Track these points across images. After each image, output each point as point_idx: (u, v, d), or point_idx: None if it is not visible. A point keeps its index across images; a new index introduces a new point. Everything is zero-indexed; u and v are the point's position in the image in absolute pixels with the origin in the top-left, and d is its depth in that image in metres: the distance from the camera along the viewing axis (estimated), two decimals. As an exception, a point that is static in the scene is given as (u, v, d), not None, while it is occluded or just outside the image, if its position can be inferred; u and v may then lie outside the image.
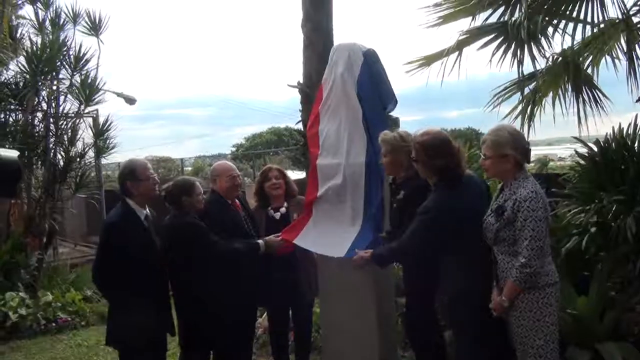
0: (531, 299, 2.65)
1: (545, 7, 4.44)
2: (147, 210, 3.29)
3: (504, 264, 2.72)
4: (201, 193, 3.50)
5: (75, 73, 7.72)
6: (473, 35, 4.72)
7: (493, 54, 4.59)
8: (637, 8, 4.28)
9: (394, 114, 3.75)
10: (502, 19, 4.65)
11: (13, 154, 1.64)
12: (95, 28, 8.00)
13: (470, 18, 4.68)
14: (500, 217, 2.69)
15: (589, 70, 4.84)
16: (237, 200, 3.77)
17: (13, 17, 8.10)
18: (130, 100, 12.23)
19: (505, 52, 4.58)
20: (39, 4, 8.07)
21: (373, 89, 3.61)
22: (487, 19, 4.69)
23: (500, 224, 2.69)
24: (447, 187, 2.91)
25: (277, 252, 3.64)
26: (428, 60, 4.92)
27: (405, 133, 3.36)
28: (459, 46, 4.72)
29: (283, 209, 3.92)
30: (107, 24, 8.08)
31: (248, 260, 3.56)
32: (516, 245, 2.65)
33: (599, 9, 4.17)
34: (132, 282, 3.08)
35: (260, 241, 3.61)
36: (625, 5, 4.16)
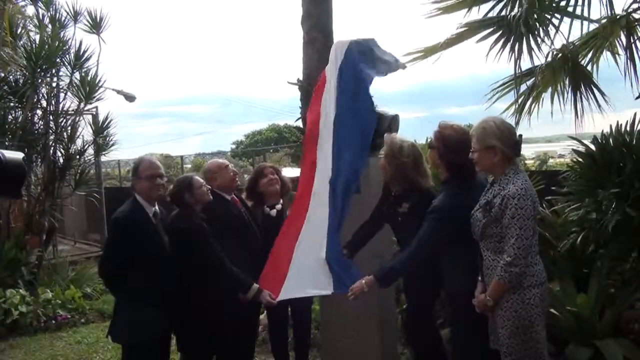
0: (515, 300, 2.57)
1: (546, 2, 4.41)
2: (156, 207, 3.27)
3: (489, 261, 2.65)
4: (202, 185, 3.40)
5: (75, 70, 7.74)
6: (472, 28, 4.67)
7: (491, 48, 4.55)
8: (637, 5, 4.26)
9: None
10: (501, 13, 4.60)
11: (18, 155, 1.66)
12: (96, 26, 8.01)
13: (476, 9, 4.62)
14: (488, 213, 2.62)
15: (589, 67, 4.81)
16: (235, 197, 3.77)
17: (19, 16, 8.09)
18: (130, 98, 12.25)
19: (503, 45, 4.53)
20: (40, 3, 8.06)
21: (353, 92, 3.37)
22: (487, 13, 4.65)
23: (487, 220, 2.62)
24: (457, 186, 2.87)
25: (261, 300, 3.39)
26: (426, 53, 4.82)
27: (398, 146, 3.20)
28: (458, 38, 4.68)
29: (279, 206, 3.90)
30: (108, 22, 8.12)
31: (248, 256, 3.54)
32: (503, 243, 2.58)
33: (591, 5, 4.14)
34: (138, 277, 3.08)
35: (255, 285, 3.34)
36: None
